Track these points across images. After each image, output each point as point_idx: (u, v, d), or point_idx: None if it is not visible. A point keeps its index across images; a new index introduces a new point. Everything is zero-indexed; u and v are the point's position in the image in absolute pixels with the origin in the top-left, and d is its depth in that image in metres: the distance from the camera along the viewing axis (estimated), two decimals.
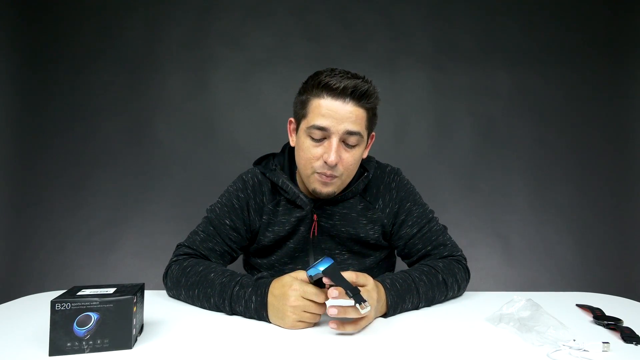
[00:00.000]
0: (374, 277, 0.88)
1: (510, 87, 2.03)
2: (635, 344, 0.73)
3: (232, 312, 0.87)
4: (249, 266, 1.21)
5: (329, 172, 0.96)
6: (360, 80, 0.94)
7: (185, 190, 1.97)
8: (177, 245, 1.07)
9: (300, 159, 1.00)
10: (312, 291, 0.79)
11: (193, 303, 0.94)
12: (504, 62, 2.03)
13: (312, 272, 0.78)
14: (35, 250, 1.94)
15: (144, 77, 1.99)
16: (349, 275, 0.79)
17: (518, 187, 2.02)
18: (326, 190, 0.99)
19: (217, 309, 0.89)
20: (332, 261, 0.76)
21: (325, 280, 0.76)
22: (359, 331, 0.79)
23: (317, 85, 0.95)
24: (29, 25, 1.96)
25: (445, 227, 1.12)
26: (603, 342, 0.70)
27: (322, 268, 0.75)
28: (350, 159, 0.97)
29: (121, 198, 1.97)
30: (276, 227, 1.07)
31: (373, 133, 1.06)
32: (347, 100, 0.93)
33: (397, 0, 2.03)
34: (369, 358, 0.68)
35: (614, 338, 0.76)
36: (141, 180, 1.98)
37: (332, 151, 0.93)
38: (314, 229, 1.06)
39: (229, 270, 0.94)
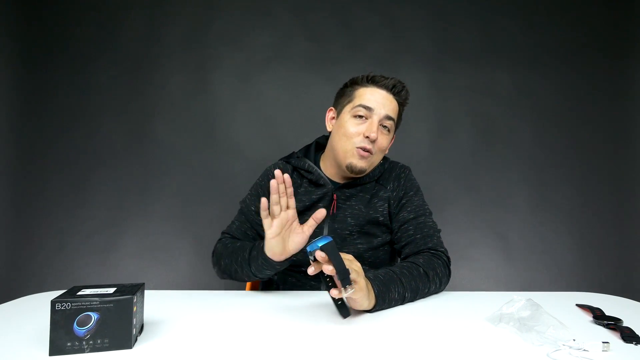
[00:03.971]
0: (379, 258, 1.06)
1: (510, 87, 2.04)
2: (635, 344, 0.73)
3: (254, 270, 1.00)
4: None
5: (369, 146, 1.10)
6: (399, 81, 1.15)
7: (185, 190, 1.98)
8: (221, 233, 1.22)
9: (342, 136, 1.13)
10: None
11: (230, 269, 1.08)
12: (504, 62, 2.03)
13: (311, 248, 0.80)
14: (35, 250, 1.94)
15: (144, 77, 1.99)
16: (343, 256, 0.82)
17: (518, 187, 2.02)
18: (361, 164, 1.11)
19: (248, 269, 1.02)
20: (331, 239, 0.78)
21: (319, 256, 0.78)
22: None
23: (366, 78, 1.14)
24: (29, 25, 1.96)
25: (439, 229, 1.16)
26: (603, 342, 0.70)
27: (320, 244, 0.77)
28: (384, 141, 1.13)
29: (121, 198, 1.97)
30: (298, 204, 1.13)
31: (394, 134, 1.20)
32: (389, 92, 1.13)
33: (397, 0, 2.03)
34: (369, 358, 0.68)
35: (614, 338, 0.76)
36: (141, 180, 1.98)
37: (374, 127, 1.09)
38: (334, 207, 1.15)
39: (255, 242, 1.05)
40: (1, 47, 1.91)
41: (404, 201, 1.17)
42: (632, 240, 2.01)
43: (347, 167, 1.12)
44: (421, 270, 1.00)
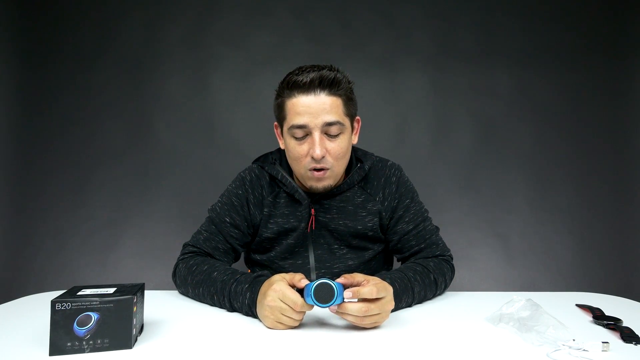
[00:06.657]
0: (372, 270, 0.90)
1: (510, 87, 2.03)
2: (635, 344, 0.73)
3: (231, 308, 0.89)
4: (250, 263, 1.22)
5: (319, 166, 0.97)
6: (326, 69, 0.96)
7: (185, 191, 1.97)
8: (183, 245, 1.11)
9: (291, 159, 1.03)
10: (291, 297, 0.77)
11: (200, 300, 0.97)
12: (504, 62, 2.03)
13: (331, 304, 0.76)
14: (35, 250, 1.94)
15: (144, 77, 1.99)
16: (368, 290, 0.77)
17: (518, 187, 2.02)
18: (322, 184, 1.01)
19: (220, 306, 0.92)
20: (338, 289, 0.77)
21: (336, 309, 0.78)
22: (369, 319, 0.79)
23: (287, 86, 0.98)
24: (29, 25, 1.96)
25: (437, 228, 1.14)
26: (603, 342, 0.70)
27: (335, 285, 0.76)
28: (337, 148, 0.98)
29: (121, 198, 1.97)
30: (279, 219, 1.08)
31: (358, 117, 1.07)
32: (318, 92, 0.95)
33: (397, 0, 2.03)
34: (369, 358, 0.68)
35: (613, 338, 0.76)
36: (141, 180, 1.98)
37: (315, 145, 0.95)
38: (312, 223, 1.07)
39: (231, 269, 0.96)
40: (1, 47, 1.91)
41: (400, 212, 1.09)
42: (632, 240, 2.01)
43: (309, 188, 1.03)
44: (432, 277, 1.00)
